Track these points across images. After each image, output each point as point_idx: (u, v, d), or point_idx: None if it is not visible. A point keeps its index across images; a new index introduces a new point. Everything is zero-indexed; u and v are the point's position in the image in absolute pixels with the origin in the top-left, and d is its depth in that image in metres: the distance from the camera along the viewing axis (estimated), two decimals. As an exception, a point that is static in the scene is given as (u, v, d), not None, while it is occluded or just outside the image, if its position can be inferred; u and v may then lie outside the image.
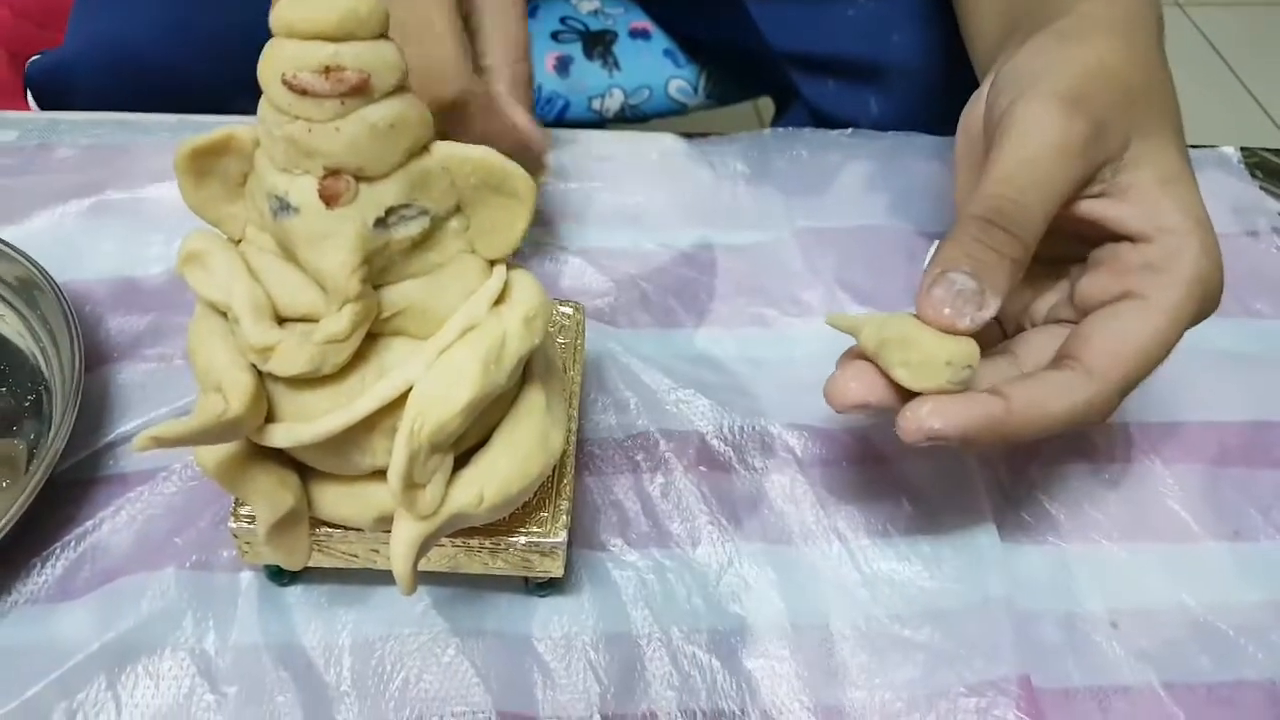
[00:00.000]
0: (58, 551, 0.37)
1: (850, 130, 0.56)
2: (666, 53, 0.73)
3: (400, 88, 0.26)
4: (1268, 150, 0.56)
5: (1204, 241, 0.32)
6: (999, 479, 0.41)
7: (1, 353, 0.42)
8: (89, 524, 0.38)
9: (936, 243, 0.32)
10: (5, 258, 0.41)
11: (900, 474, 0.41)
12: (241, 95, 0.58)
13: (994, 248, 0.31)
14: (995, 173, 0.32)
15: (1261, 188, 0.54)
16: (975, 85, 0.38)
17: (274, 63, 0.25)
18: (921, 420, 0.30)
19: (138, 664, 0.34)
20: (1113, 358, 0.31)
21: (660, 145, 0.54)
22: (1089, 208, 0.33)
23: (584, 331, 0.40)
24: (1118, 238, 0.34)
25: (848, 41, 0.61)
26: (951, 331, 0.30)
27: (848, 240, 0.50)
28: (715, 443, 0.42)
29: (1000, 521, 0.39)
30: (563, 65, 0.70)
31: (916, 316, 0.31)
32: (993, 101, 0.35)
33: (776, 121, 0.70)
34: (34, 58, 0.62)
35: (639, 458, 0.41)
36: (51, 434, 0.38)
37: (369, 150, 0.26)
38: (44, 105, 0.60)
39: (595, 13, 0.73)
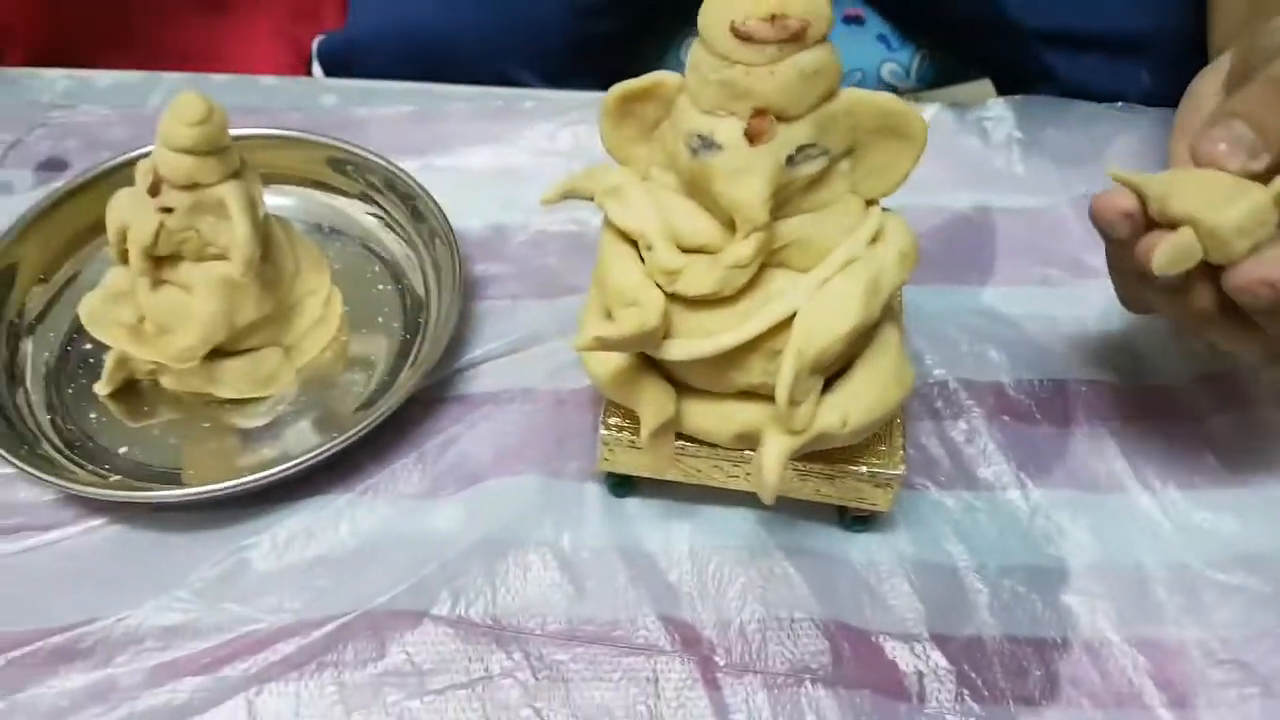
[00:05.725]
0: (431, 455, 0.42)
1: (1120, 104, 0.56)
2: (880, 37, 0.75)
3: (825, 36, 0.29)
4: None
5: None
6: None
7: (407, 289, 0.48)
8: (449, 433, 0.42)
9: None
10: (414, 196, 0.47)
11: (1203, 429, 0.41)
12: (513, 68, 0.63)
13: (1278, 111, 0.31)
14: None
15: None
16: None
17: (721, 11, 0.29)
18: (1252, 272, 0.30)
19: (508, 556, 0.39)
20: None
21: (928, 113, 0.56)
22: None
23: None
24: None
25: (1113, 15, 0.61)
26: (1218, 167, 0.31)
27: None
28: (1014, 394, 0.43)
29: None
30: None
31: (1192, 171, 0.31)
32: (1262, 37, 0.35)
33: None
34: (320, 36, 0.69)
35: (939, 405, 0.43)
36: (421, 352, 0.43)
37: (795, 93, 0.29)
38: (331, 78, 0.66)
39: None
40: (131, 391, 0.44)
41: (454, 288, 0.43)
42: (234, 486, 0.38)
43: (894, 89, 0.76)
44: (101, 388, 0.43)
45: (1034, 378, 0.44)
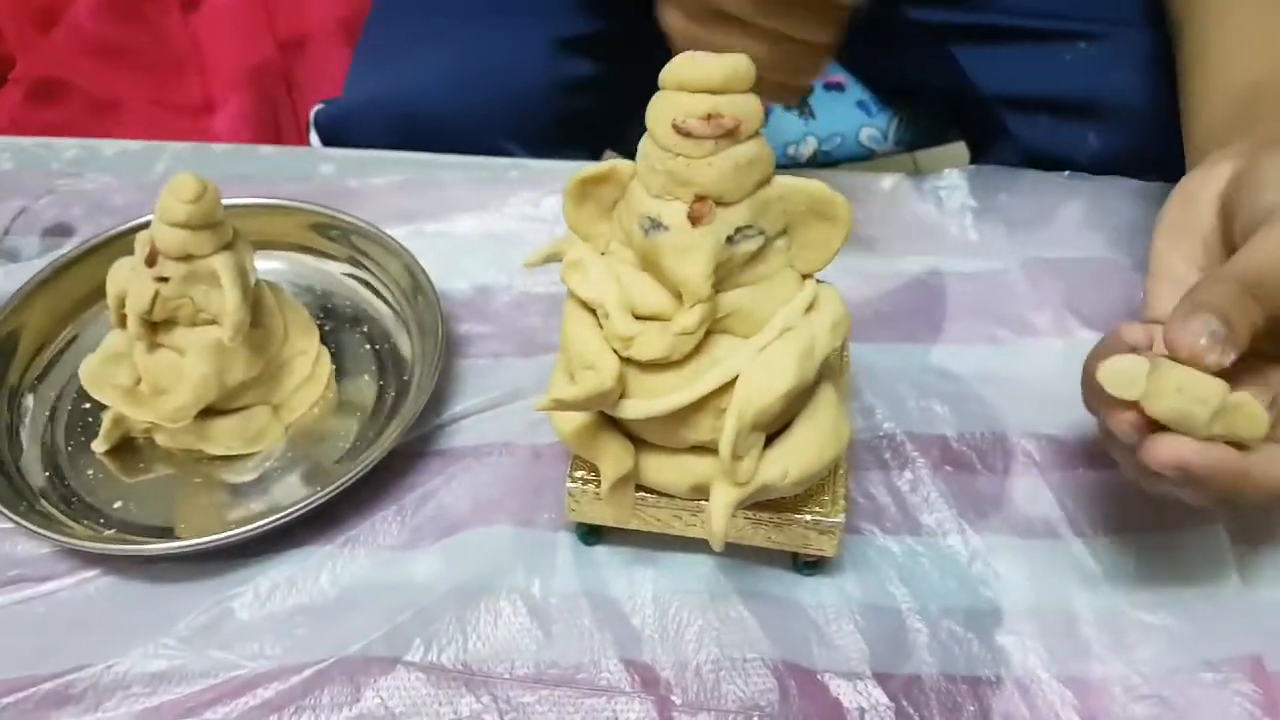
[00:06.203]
0: (410, 507, 0.44)
1: (1066, 173, 0.59)
2: (859, 103, 0.79)
3: (757, 132, 0.33)
4: None
5: None
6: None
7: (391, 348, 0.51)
8: (429, 486, 0.45)
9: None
10: (399, 259, 0.50)
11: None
12: (500, 139, 0.67)
13: (1245, 311, 0.33)
14: (1269, 247, 0.34)
15: None
16: None
17: (665, 110, 0.32)
18: (1178, 450, 0.32)
19: (480, 603, 0.41)
20: None
21: (889, 182, 0.59)
22: None
23: (849, 345, 0.45)
24: None
25: (1065, 82, 0.65)
26: (1197, 365, 0.32)
27: (1073, 269, 0.54)
28: (957, 446, 0.46)
29: (1229, 524, 0.42)
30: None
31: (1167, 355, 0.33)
32: (1253, 189, 0.36)
33: (978, 162, 0.73)
34: (319, 105, 0.73)
35: (887, 456, 0.46)
36: (403, 409, 0.46)
37: (731, 181, 0.32)
38: (327, 145, 0.70)
39: (793, 68, 0.79)
40: (127, 448, 0.47)
41: (437, 346, 0.46)
42: (220, 539, 0.41)
43: (871, 152, 0.80)
44: (99, 445, 0.46)
45: (976, 430, 0.47)
